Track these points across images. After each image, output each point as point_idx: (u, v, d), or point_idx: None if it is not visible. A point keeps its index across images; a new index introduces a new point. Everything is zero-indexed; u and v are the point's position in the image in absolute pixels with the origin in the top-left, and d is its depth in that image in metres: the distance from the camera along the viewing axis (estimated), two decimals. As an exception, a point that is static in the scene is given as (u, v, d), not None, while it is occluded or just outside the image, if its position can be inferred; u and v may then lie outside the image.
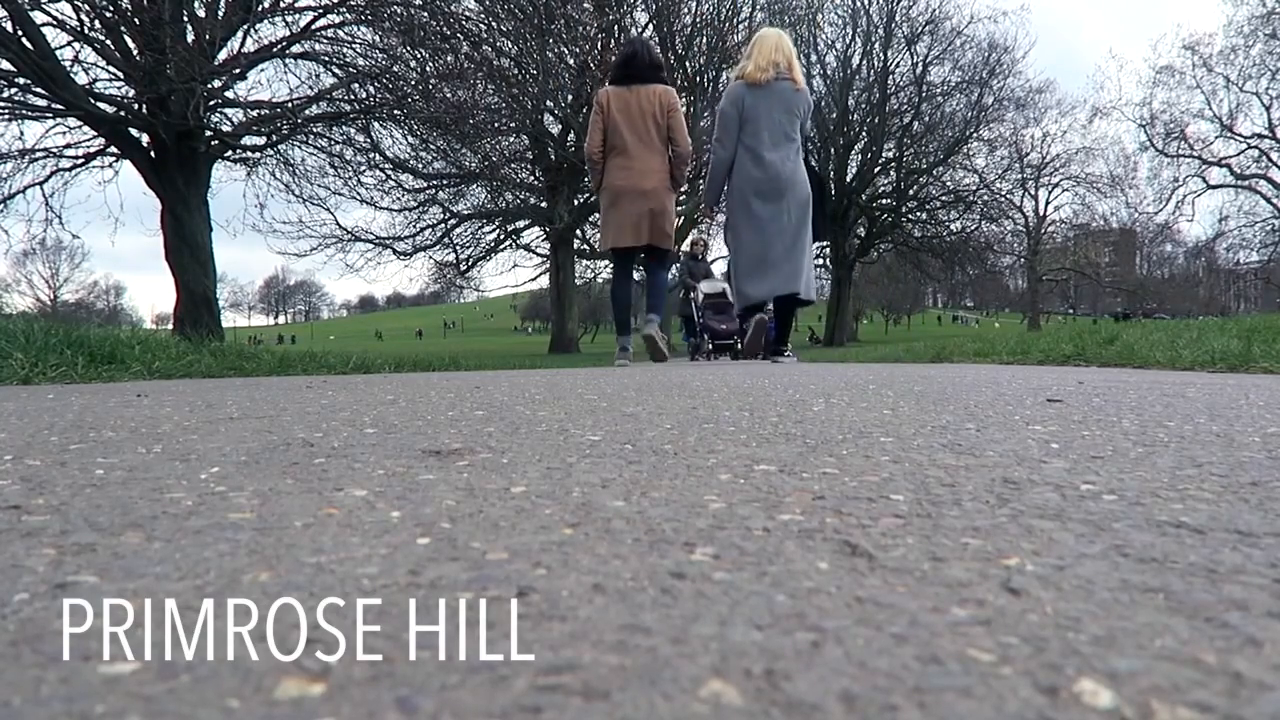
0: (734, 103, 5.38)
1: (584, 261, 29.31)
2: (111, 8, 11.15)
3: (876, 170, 36.71)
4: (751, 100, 5.31)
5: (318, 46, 13.09)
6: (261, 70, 13.27)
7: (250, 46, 12.35)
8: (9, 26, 10.12)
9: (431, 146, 16.58)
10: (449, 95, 12.88)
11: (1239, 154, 36.57)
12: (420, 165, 18.95)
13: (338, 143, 15.00)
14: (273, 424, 1.49)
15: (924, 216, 37.65)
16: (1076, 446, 0.79)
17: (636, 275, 6.07)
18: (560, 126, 23.96)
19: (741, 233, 5.43)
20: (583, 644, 0.28)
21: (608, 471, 0.65)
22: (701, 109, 25.99)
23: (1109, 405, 1.30)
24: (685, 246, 13.48)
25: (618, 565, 0.39)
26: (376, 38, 13.06)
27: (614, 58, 5.91)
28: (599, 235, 5.60)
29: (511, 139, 21.13)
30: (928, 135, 35.79)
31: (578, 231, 26.80)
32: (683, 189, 5.61)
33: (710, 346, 11.53)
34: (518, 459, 0.72)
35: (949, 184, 37.36)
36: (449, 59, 12.74)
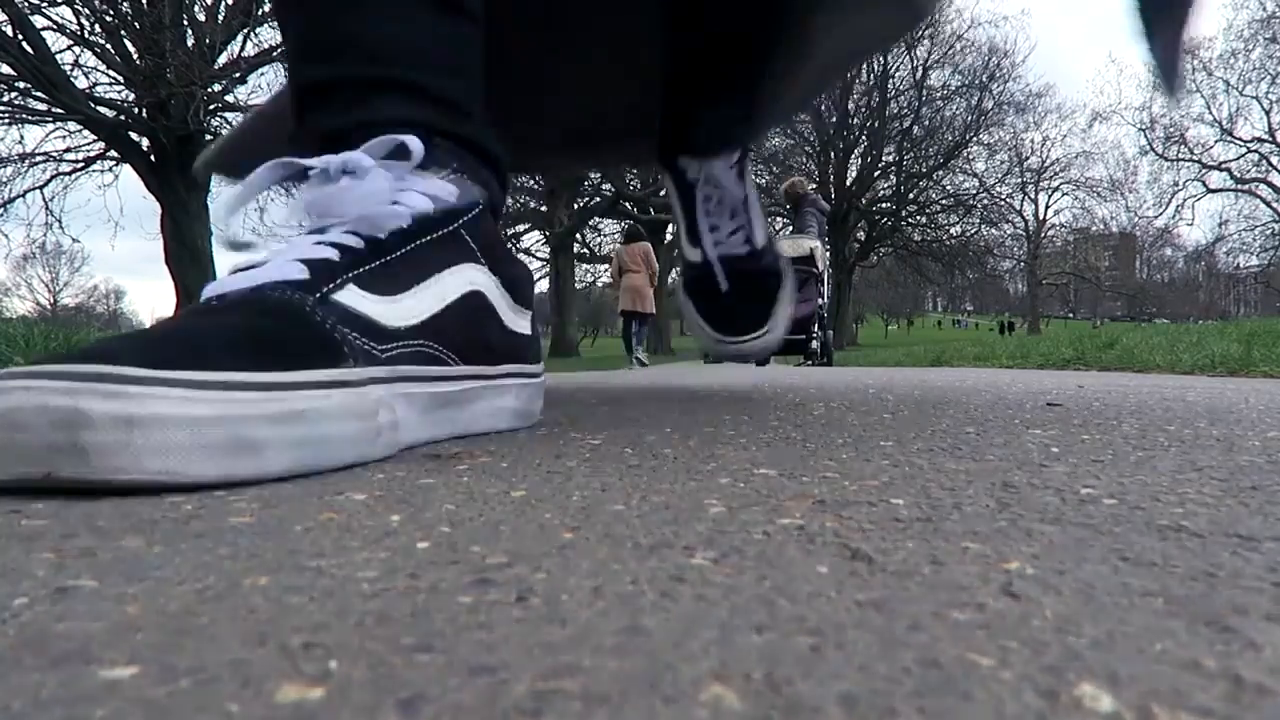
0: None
1: (584, 266, 29.25)
2: (112, 12, 11.16)
3: (876, 174, 36.69)
4: None
5: (318, 51, 13.06)
6: (262, 74, 13.28)
7: (251, 50, 12.36)
8: (9, 31, 10.14)
9: (432, 150, 16.58)
10: (449, 99, 12.87)
11: (1239, 158, 36.60)
12: (420, 169, 18.92)
13: (338, 146, 14.96)
14: (273, 428, 1.48)
15: (924, 220, 37.61)
16: (1076, 450, 0.79)
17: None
18: (560, 131, 23.87)
19: None
20: (583, 648, 0.28)
21: (608, 475, 0.65)
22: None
23: (1109, 409, 1.30)
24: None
25: (618, 569, 0.39)
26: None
27: (622, 230, 11.70)
28: (619, 298, 10.91)
29: (511, 143, 21.09)
30: (927, 139, 35.78)
31: (578, 236, 26.74)
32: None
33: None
34: (518, 462, 0.72)
35: (949, 188, 37.35)
36: (449, 63, 12.73)
